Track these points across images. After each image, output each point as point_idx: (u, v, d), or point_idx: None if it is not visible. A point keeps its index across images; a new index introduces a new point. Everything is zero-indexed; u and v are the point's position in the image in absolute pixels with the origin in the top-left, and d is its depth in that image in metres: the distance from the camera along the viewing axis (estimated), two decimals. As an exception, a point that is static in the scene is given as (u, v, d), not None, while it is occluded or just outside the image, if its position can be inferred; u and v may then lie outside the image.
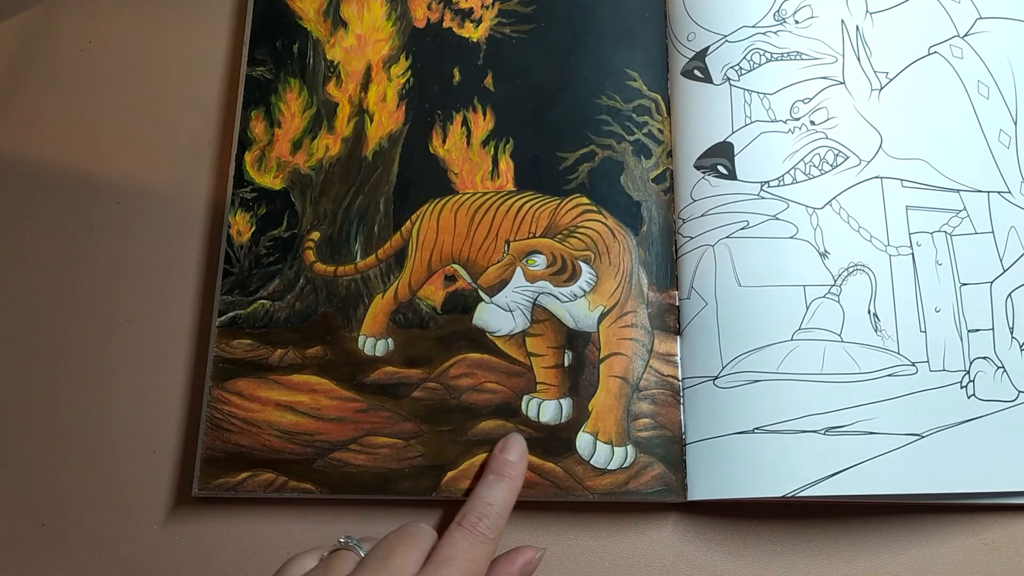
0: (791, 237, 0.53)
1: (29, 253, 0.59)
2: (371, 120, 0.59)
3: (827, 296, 0.52)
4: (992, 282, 0.53)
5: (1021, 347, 0.52)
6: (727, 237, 0.54)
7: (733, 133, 0.55)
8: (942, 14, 0.57)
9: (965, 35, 0.57)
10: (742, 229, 0.54)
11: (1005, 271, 0.53)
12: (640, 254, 0.55)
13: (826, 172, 0.54)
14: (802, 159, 0.54)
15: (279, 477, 0.52)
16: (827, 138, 0.54)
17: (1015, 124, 0.55)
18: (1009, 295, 0.52)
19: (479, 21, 0.60)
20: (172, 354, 0.56)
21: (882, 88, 0.55)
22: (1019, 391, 0.51)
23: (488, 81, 0.59)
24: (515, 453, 0.51)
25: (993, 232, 0.54)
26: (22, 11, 0.65)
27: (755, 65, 0.56)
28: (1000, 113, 0.55)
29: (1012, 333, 0.52)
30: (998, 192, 0.54)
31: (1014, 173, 0.54)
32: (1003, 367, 0.51)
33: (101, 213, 0.60)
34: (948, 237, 0.53)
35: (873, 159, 0.54)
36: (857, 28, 0.56)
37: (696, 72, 0.57)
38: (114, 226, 0.60)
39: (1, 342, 0.58)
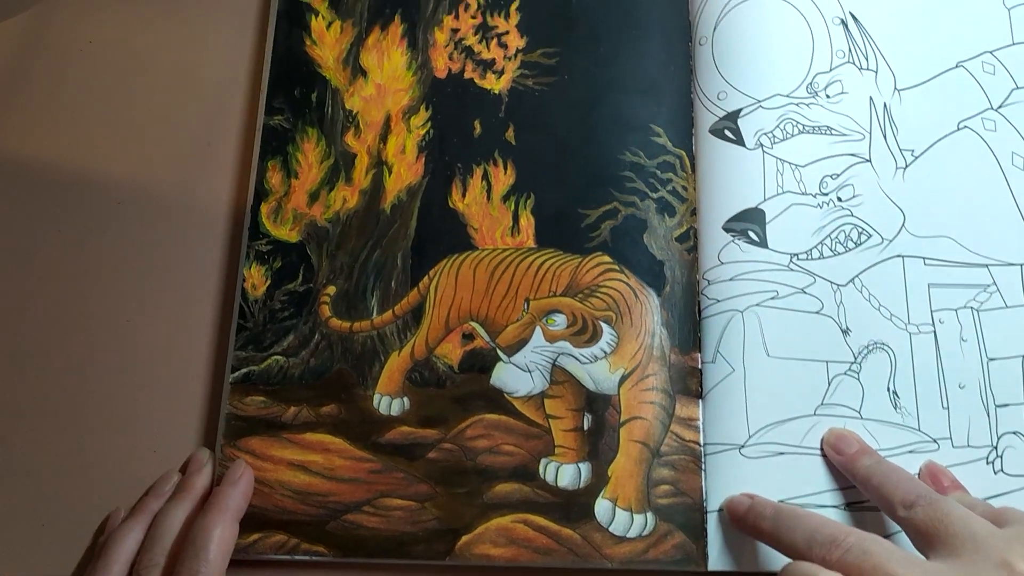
0: (817, 312, 0.53)
1: (29, 253, 0.59)
2: (390, 172, 0.58)
3: (848, 373, 0.51)
4: (1024, 356, 0.52)
5: (1055, 421, 0.51)
6: (757, 305, 0.53)
7: (765, 200, 0.54)
8: (974, 87, 0.56)
9: (999, 107, 0.56)
10: (772, 299, 0.53)
11: (1038, 343, 0.52)
12: (663, 315, 0.54)
13: (850, 250, 0.54)
14: (829, 235, 0.54)
15: (291, 539, 0.51)
16: (852, 216, 0.54)
17: (1050, 193, 0.54)
18: (1042, 367, 0.51)
19: (501, 72, 0.60)
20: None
21: (907, 166, 0.55)
22: (1051, 465, 0.50)
23: (510, 134, 0.58)
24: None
25: (1025, 305, 0.53)
26: (22, 11, 0.64)
27: (788, 135, 0.55)
28: (1035, 184, 0.55)
29: (1045, 407, 0.51)
30: (1031, 264, 0.53)
31: (1048, 244, 0.53)
32: (1034, 442, 0.50)
33: (101, 214, 0.59)
34: (975, 313, 0.52)
35: (895, 238, 0.54)
36: (885, 106, 0.56)
37: (727, 133, 0.56)
38: (114, 227, 0.59)
39: (1, 342, 0.57)
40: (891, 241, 0.54)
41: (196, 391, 0.56)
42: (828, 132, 0.56)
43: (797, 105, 0.56)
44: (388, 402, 0.54)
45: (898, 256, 0.54)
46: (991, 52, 0.57)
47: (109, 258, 0.59)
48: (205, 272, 0.58)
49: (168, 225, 0.59)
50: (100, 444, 0.55)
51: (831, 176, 0.55)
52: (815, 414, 0.51)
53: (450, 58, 0.60)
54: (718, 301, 0.54)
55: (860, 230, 0.54)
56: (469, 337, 0.55)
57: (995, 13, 0.58)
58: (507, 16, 0.61)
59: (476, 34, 0.61)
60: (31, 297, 0.58)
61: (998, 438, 0.50)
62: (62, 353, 0.57)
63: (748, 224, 0.54)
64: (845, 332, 0.52)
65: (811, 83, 0.56)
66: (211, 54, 0.63)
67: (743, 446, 0.51)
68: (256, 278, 0.56)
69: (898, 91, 0.56)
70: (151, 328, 0.57)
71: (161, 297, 0.58)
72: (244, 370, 0.55)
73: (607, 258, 0.55)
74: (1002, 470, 0.50)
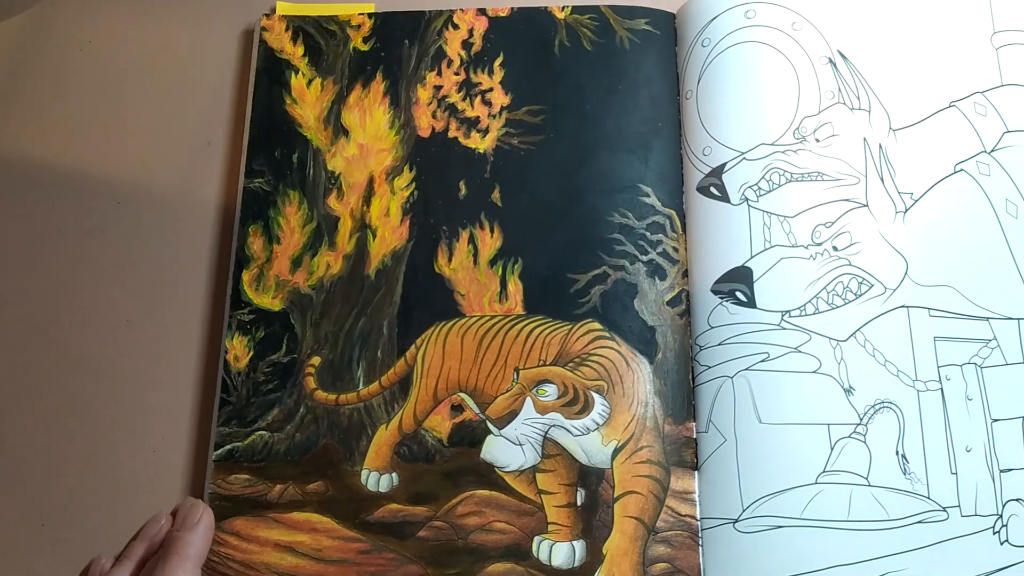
0: (814, 371, 0.51)
1: (29, 253, 0.59)
2: (374, 236, 0.57)
3: (853, 436, 0.50)
4: (1024, 417, 0.50)
5: (1057, 487, 0.49)
6: (746, 369, 0.51)
7: (752, 257, 0.53)
8: (968, 129, 0.55)
9: (992, 150, 0.54)
10: (762, 361, 0.51)
11: (1038, 404, 0.51)
12: (655, 384, 0.53)
13: (850, 301, 0.52)
14: (824, 287, 0.52)
15: (278, 624, 0.50)
16: (850, 265, 0.52)
17: (1046, 245, 0.53)
18: (1042, 430, 0.50)
19: (486, 131, 0.58)
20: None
21: (907, 210, 0.53)
22: (1055, 536, 0.49)
23: (495, 195, 0.57)
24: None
25: (1024, 362, 0.51)
26: (22, 11, 0.64)
27: (774, 185, 0.54)
28: (1030, 233, 0.53)
29: (1046, 472, 0.50)
30: (1029, 319, 0.52)
31: (1045, 297, 0.52)
32: (1037, 509, 0.49)
33: (101, 214, 0.59)
34: (978, 369, 0.51)
35: (899, 287, 0.52)
36: (880, 146, 0.54)
37: (713, 190, 0.55)
38: (116, 228, 0.59)
39: (1, 342, 0.57)
40: (894, 290, 0.52)
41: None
42: (819, 178, 0.54)
43: (784, 152, 0.55)
44: (376, 478, 0.52)
45: (903, 306, 0.52)
46: (982, 93, 0.56)
47: (104, 273, 0.59)
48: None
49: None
50: (100, 445, 0.55)
51: (824, 225, 0.53)
52: (817, 482, 0.50)
53: (434, 116, 0.59)
54: (709, 367, 0.52)
55: (860, 280, 0.52)
56: (458, 409, 0.53)
57: (984, 52, 0.56)
58: (491, 72, 0.59)
59: (460, 91, 0.59)
60: (31, 297, 0.58)
61: (1003, 506, 0.49)
62: (62, 354, 0.57)
63: (735, 284, 0.53)
64: (848, 391, 0.51)
65: (798, 128, 0.55)
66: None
67: (737, 520, 0.49)
68: (239, 349, 0.55)
69: (893, 131, 0.55)
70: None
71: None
72: (228, 447, 0.53)
73: (597, 325, 0.54)
74: (1007, 540, 0.48)
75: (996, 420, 0.50)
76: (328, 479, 0.52)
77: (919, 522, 0.49)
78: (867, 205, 0.53)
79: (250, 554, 0.51)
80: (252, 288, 0.56)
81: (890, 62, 0.56)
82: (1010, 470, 0.50)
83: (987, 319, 0.52)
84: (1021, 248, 0.53)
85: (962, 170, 0.54)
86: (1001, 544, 0.48)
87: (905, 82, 0.56)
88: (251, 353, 0.55)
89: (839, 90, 0.56)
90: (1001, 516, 0.49)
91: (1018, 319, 0.52)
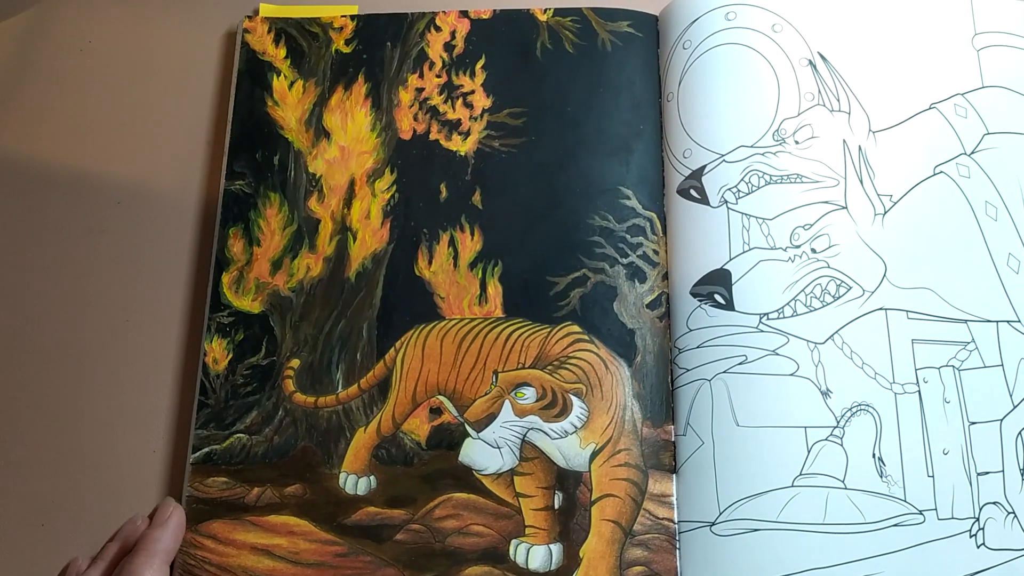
0: (791, 374, 0.51)
1: (29, 253, 0.59)
2: (354, 238, 0.57)
3: (829, 439, 0.50)
4: (1002, 420, 0.50)
5: (1033, 491, 0.49)
6: (724, 372, 0.51)
7: (731, 260, 0.53)
8: (948, 131, 0.55)
9: (972, 152, 0.54)
10: (740, 364, 0.51)
11: (1015, 407, 0.51)
12: (634, 386, 0.53)
13: (828, 304, 0.52)
14: (803, 290, 0.52)
15: (255, 626, 0.50)
16: (829, 267, 0.52)
17: (1024, 247, 0.53)
18: (1019, 433, 0.50)
19: (467, 133, 0.58)
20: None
21: (886, 212, 0.53)
22: (1031, 539, 0.48)
23: (476, 198, 0.57)
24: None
25: (1003, 365, 0.51)
26: (22, 11, 0.64)
27: (753, 188, 0.54)
28: (1009, 235, 0.53)
29: (1023, 475, 0.50)
30: (1007, 321, 0.52)
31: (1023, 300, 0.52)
32: (1014, 512, 0.49)
33: (101, 214, 0.59)
34: (956, 372, 0.51)
35: (877, 289, 0.52)
36: (860, 148, 0.54)
37: (692, 192, 0.55)
38: (114, 227, 0.59)
39: (1, 343, 0.57)
40: (873, 293, 0.52)
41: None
42: (798, 180, 0.54)
43: (763, 155, 0.54)
44: (355, 481, 0.52)
45: (881, 309, 0.52)
46: (962, 94, 0.56)
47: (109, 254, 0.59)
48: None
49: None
50: (100, 445, 0.55)
51: (803, 227, 0.53)
52: (793, 485, 0.50)
53: (415, 119, 0.59)
54: (688, 370, 0.52)
55: (838, 282, 0.52)
56: (437, 411, 0.53)
57: (965, 54, 0.56)
58: (472, 75, 0.59)
59: (441, 94, 0.59)
60: (31, 297, 0.58)
61: (979, 509, 0.49)
62: (61, 354, 0.57)
63: (713, 287, 0.53)
64: (825, 394, 0.51)
65: (778, 130, 0.55)
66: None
67: (714, 524, 0.49)
68: (217, 352, 0.55)
69: (873, 133, 0.55)
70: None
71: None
72: (205, 450, 0.53)
73: (576, 328, 0.54)
74: (984, 544, 0.48)
75: (974, 423, 0.50)
76: (306, 482, 0.52)
77: (895, 525, 0.48)
78: (846, 207, 0.53)
79: (227, 557, 0.51)
80: (232, 290, 0.56)
81: (870, 64, 0.56)
82: (987, 473, 0.49)
83: (965, 322, 0.52)
84: (1000, 250, 0.53)
85: (942, 172, 0.54)
86: (978, 547, 0.48)
87: (885, 84, 0.56)
88: (230, 356, 0.55)
89: (819, 92, 0.55)
90: (978, 519, 0.49)
91: (996, 322, 0.52)
